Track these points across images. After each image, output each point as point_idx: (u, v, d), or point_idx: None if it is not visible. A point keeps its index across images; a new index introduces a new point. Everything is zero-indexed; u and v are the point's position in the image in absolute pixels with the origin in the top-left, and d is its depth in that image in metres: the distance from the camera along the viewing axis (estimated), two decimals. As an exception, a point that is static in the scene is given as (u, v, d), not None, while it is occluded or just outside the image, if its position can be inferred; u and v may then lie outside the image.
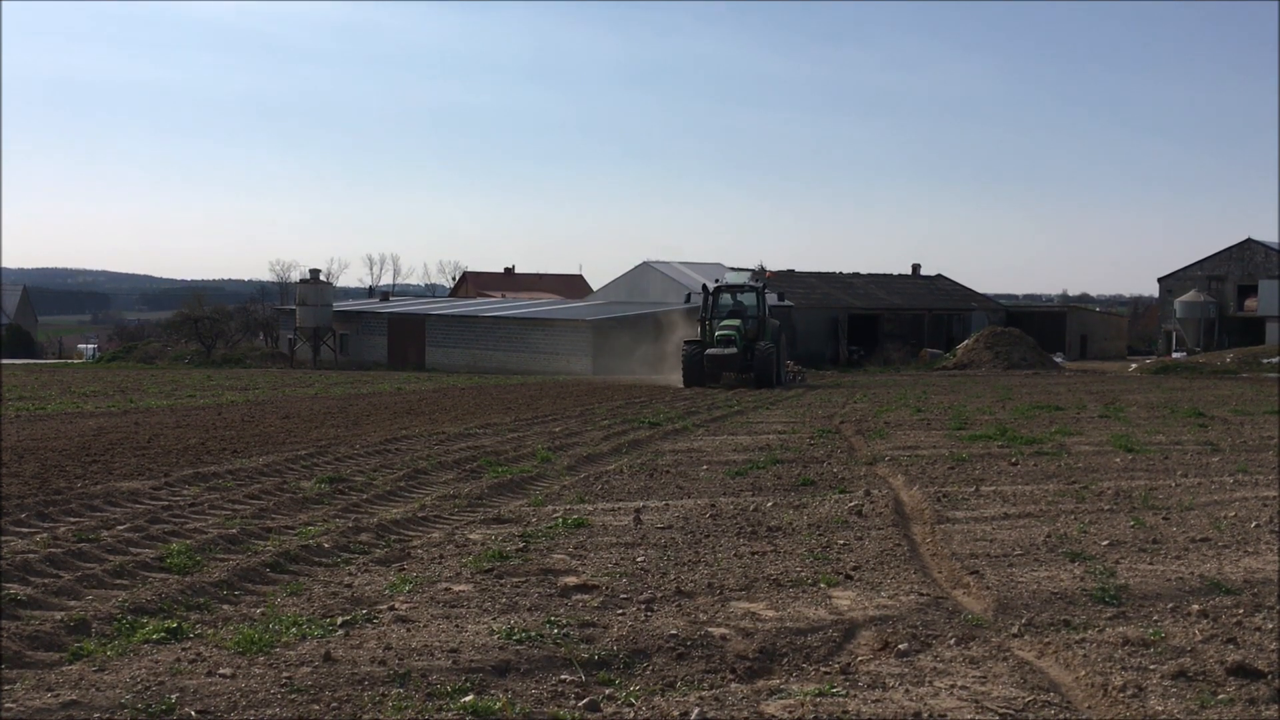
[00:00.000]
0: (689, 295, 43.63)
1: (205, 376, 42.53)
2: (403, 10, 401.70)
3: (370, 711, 4.89)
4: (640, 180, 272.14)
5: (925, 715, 4.86)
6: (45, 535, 8.56)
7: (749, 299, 38.34)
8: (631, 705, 5.06)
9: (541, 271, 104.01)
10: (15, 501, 10.09)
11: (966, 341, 59.99)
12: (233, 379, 40.20)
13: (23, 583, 7.01)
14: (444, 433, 18.33)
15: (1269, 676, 5.28)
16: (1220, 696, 5.06)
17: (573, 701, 5.11)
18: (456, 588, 7.26)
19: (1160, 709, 4.92)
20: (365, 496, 11.23)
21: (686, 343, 37.88)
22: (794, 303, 63.04)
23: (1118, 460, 14.61)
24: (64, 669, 5.38)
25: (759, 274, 43.69)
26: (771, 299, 41.36)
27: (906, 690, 5.18)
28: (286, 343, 69.65)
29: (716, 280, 40.38)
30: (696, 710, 4.93)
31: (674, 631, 6.16)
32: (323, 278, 70.85)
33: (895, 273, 77.35)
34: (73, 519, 9.53)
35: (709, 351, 35.93)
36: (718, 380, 36.15)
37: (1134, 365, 59.45)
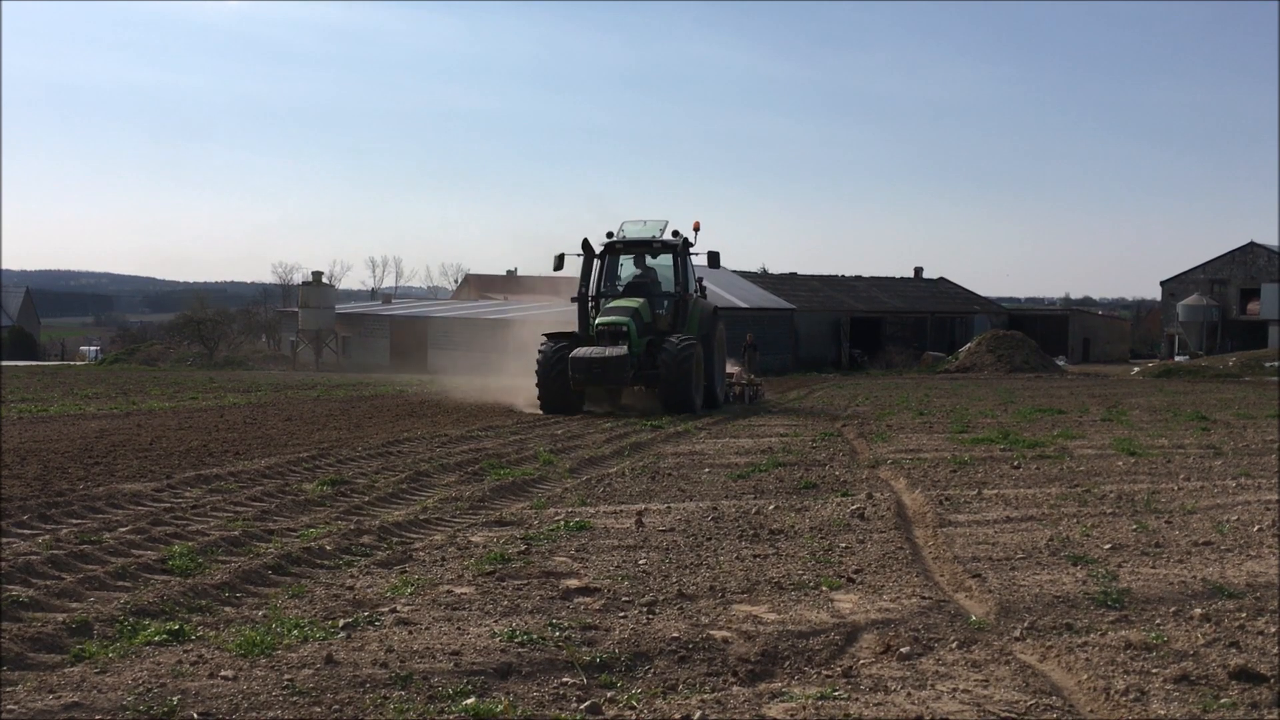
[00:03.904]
0: (561, 258, 24.15)
1: (207, 378, 42.55)
2: (405, 14, 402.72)
3: (372, 714, 4.89)
4: (642, 183, 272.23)
5: (927, 718, 4.85)
6: (47, 537, 8.57)
7: (663, 263, 24.06)
8: (633, 708, 5.05)
9: (544, 275, 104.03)
10: (17, 503, 10.09)
11: (969, 345, 60.02)
12: (235, 381, 40.22)
13: (24, 584, 7.01)
14: (446, 435, 18.32)
15: (1271, 680, 5.28)
16: (1223, 700, 5.05)
17: (574, 704, 5.10)
18: (458, 590, 7.26)
19: (1163, 713, 4.91)
20: (367, 499, 11.23)
21: (547, 338, 23.07)
22: (796, 305, 63.06)
23: (1120, 464, 14.59)
24: (65, 671, 5.38)
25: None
26: (706, 272, 25.40)
27: (908, 693, 5.18)
28: (289, 345, 69.70)
29: (609, 234, 24.40)
30: (698, 713, 4.92)
31: (676, 634, 6.16)
32: (325, 280, 70.96)
33: (898, 276, 77.42)
34: (75, 521, 9.52)
35: (575, 353, 21.80)
36: (593, 398, 22.78)
37: (1136, 369, 59.43)
